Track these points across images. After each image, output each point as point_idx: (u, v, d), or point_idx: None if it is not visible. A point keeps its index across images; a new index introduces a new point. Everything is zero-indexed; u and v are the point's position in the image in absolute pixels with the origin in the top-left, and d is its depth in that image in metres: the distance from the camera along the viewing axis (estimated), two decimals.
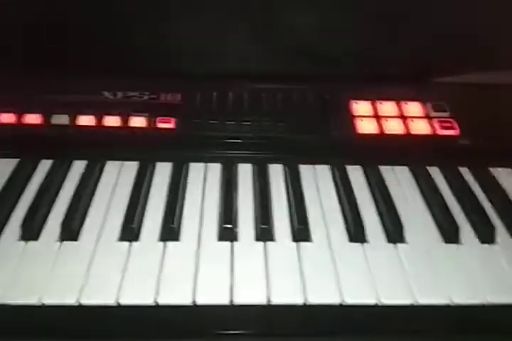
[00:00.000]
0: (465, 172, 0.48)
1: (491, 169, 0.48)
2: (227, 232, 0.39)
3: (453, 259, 0.38)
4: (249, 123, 0.50)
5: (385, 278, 0.36)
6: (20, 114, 0.48)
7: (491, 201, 0.44)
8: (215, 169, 0.47)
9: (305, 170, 0.47)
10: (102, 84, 0.52)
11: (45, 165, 0.46)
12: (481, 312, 0.35)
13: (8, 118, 0.48)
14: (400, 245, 0.39)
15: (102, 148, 0.47)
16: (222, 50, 0.56)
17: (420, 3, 0.53)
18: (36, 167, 0.46)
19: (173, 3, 0.53)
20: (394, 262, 0.38)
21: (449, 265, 0.38)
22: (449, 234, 0.40)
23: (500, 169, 0.48)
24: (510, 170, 0.48)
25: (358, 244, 0.39)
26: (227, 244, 0.38)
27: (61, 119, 0.49)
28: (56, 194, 0.43)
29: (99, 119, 0.49)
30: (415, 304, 0.35)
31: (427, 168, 0.47)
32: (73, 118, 0.49)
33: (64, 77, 0.52)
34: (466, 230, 0.41)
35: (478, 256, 0.38)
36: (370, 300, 0.34)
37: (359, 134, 0.49)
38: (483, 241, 0.40)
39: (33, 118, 0.49)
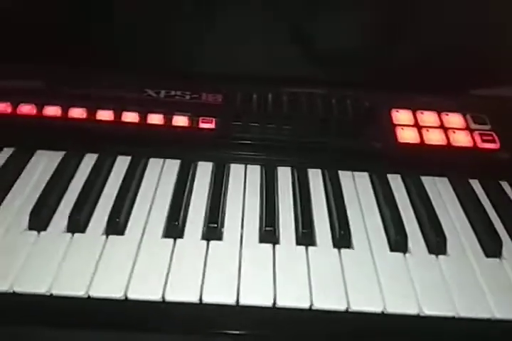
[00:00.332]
0: (505, 185, 0.47)
1: None
2: (269, 235, 0.40)
3: (493, 273, 0.38)
4: (289, 127, 0.50)
5: (425, 289, 0.36)
6: (67, 108, 0.50)
7: None
8: (255, 170, 0.48)
9: (344, 177, 0.47)
10: (146, 82, 0.53)
11: (90, 160, 0.47)
12: None
13: (55, 111, 0.50)
14: (441, 257, 0.39)
15: (145, 145, 0.48)
16: (263, 52, 0.56)
17: (461, 17, 0.53)
18: (81, 161, 0.47)
19: (213, 5, 0.54)
20: (435, 273, 0.38)
21: (490, 279, 0.38)
22: (491, 248, 0.40)
23: None
24: None
25: (400, 253, 0.39)
26: (269, 245, 0.39)
27: (105, 115, 0.50)
28: (101, 189, 0.44)
29: (144, 117, 0.50)
30: (456, 316, 0.35)
31: (468, 180, 0.47)
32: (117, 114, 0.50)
33: (110, 74, 0.53)
34: (508, 244, 0.41)
35: None
36: (412, 310, 0.35)
37: (400, 143, 0.49)
38: None
39: (79, 113, 0.50)
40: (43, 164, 0.46)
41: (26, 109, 0.50)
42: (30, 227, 0.39)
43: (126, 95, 0.52)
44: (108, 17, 0.55)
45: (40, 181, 0.44)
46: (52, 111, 0.50)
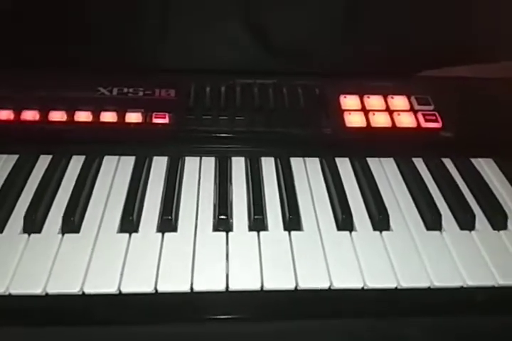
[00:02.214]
0: (447, 162, 0.50)
1: (472, 159, 0.51)
2: (223, 223, 0.41)
3: (435, 245, 0.41)
4: (241, 118, 0.51)
5: (369, 264, 0.39)
6: (19, 111, 0.50)
7: (471, 190, 0.47)
8: (210, 162, 0.49)
9: (296, 163, 0.49)
10: (98, 80, 0.54)
11: (44, 161, 0.47)
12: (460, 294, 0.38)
13: (7, 115, 0.50)
14: (384, 233, 0.42)
15: (99, 143, 0.49)
16: (214, 46, 0.57)
17: (403, 4, 0.55)
18: (35, 163, 0.47)
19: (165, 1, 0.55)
20: (379, 249, 0.40)
21: (431, 250, 0.40)
22: (432, 222, 0.42)
23: (480, 160, 0.51)
24: (489, 160, 0.51)
25: (346, 231, 0.41)
26: (223, 234, 0.41)
27: (58, 116, 0.50)
28: (56, 189, 0.44)
29: (97, 115, 0.50)
30: (399, 287, 0.37)
31: (412, 159, 0.50)
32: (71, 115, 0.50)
33: (61, 74, 0.53)
34: (447, 218, 0.43)
35: (458, 242, 0.41)
36: (357, 284, 0.37)
37: (347, 127, 0.51)
38: (462, 228, 0.42)
39: (30, 115, 0.50)
40: None
41: None
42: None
43: (78, 95, 0.52)
44: (59, 14, 0.55)
45: None
46: (3, 115, 0.50)
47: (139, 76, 0.55)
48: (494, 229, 0.42)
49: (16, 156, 0.47)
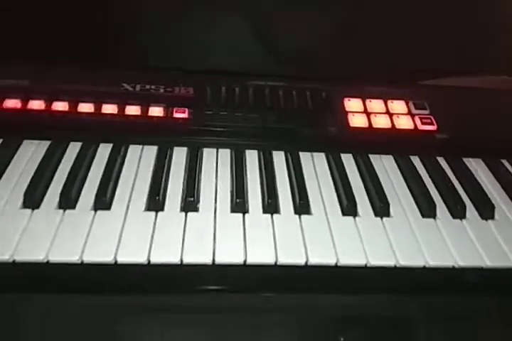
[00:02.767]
0: (441, 161, 0.55)
1: (464, 159, 0.56)
2: (239, 206, 0.46)
3: (429, 231, 0.45)
4: (255, 115, 0.56)
5: (371, 245, 0.43)
6: (51, 102, 0.54)
7: (461, 184, 0.52)
8: (226, 154, 0.53)
9: (304, 157, 0.54)
10: (122, 77, 0.58)
11: (75, 147, 0.51)
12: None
13: (40, 105, 0.54)
14: (385, 219, 0.46)
15: (125, 133, 0.53)
16: (230, 50, 0.63)
17: (404, 15, 0.61)
18: (66, 149, 0.51)
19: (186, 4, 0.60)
20: (380, 232, 0.45)
21: (426, 235, 0.45)
22: (427, 210, 0.47)
23: (471, 159, 0.56)
24: (479, 159, 0.56)
25: (351, 217, 0.46)
26: (239, 215, 0.45)
27: (86, 107, 0.55)
28: (86, 172, 0.48)
29: (122, 108, 0.55)
30: (397, 265, 0.42)
31: (409, 156, 0.55)
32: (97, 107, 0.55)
33: (89, 71, 0.58)
34: (441, 207, 0.48)
35: (450, 229, 0.46)
36: (361, 261, 0.41)
37: (351, 127, 0.56)
38: (454, 217, 0.47)
39: (61, 106, 0.54)
40: (31, 152, 0.50)
41: (12, 103, 0.54)
42: (25, 206, 0.44)
43: (104, 89, 0.57)
44: (89, 17, 0.60)
45: (30, 167, 0.48)
46: (36, 105, 0.54)
47: (160, 75, 0.60)
48: (483, 218, 0.47)
49: (49, 142, 0.51)
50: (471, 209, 0.48)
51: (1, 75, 0.55)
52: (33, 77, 0.56)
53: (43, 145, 0.51)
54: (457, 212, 0.47)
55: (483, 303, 0.44)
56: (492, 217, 0.48)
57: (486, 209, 0.48)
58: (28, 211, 0.43)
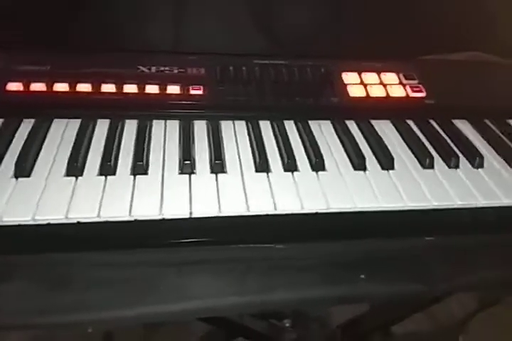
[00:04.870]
0: (432, 122, 0.62)
1: (452, 120, 0.63)
2: (263, 166, 0.51)
3: (430, 179, 0.52)
4: (265, 89, 0.61)
5: (382, 193, 0.49)
6: (75, 84, 0.58)
7: (452, 140, 0.59)
8: (242, 125, 0.59)
9: (313, 125, 0.60)
10: (136, 60, 0.62)
11: (103, 124, 0.56)
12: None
13: (64, 87, 0.58)
14: (390, 171, 0.53)
15: (147, 110, 0.58)
16: (235, 33, 0.68)
17: None
18: (95, 125, 0.56)
19: None
20: (387, 182, 0.51)
21: (429, 183, 0.51)
22: (427, 162, 0.54)
23: (457, 120, 0.63)
24: (464, 120, 0.63)
25: (361, 171, 0.52)
26: (264, 174, 0.50)
27: (109, 88, 0.59)
28: (119, 145, 0.53)
29: (142, 88, 0.59)
30: (405, 208, 0.48)
31: (405, 120, 0.62)
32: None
33: (105, 55, 0.62)
34: (438, 160, 0.55)
35: (447, 177, 0.52)
36: (375, 204, 0.48)
37: (351, 97, 0.63)
38: (450, 167, 0.54)
39: (85, 87, 0.58)
40: (63, 130, 0.54)
41: (38, 86, 0.57)
42: (68, 174, 0.48)
43: (123, 71, 0.61)
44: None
45: (67, 141, 0.52)
46: (61, 87, 0.58)
47: (172, 58, 0.65)
48: (474, 167, 0.54)
49: (79, 120, 0.55)
50: (463, 161, 0.55)
51: (27, 61, 0.59)
52: (56, 62, 0.60)
53: (74, 123, 0.55)
54: (452, 162, 0.54)
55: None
56: (482, 166, 0.55)
57: (477, 160, 0.55)
58: (73, 178, 0.47)
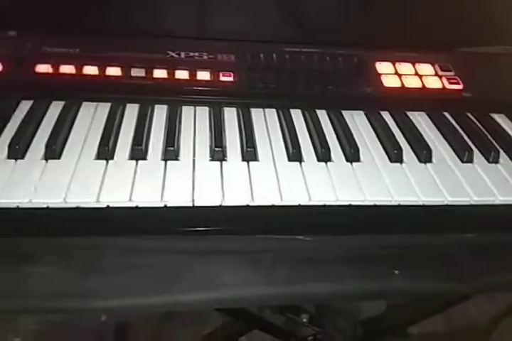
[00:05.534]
0: (470, 115, 0.60)
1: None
2: (296, 156, 0.50)
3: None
4: (296, 78, 0.60)
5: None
6: (104, 68, 0.57)
7: (490, 134, 0.57)
8: (272, 113, 0.57)
9: (345, 115, 0.58)
10: (166, 45, 0.61)
11: (132, 108, 0.55)
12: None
13: (94, 71, 0.57)
14: (428, 164, 0.51)
15: (177, 95, 0.56)
16: (267, 19, 0.66)
17: None
18: (125, 109, 0.55)
19: None
20: (426, 174, 0.49)
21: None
22: (464, 155, 0.52)
23: (495, 114, 0.61)
24: (502, 115, 0.61)
25: (398, 163, 0.50)
26: (297, 163, 0.49)
27: (138, 72, 0.58)
28: (149, 129, 0.52)
29: (172, 73, 0.58)
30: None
31: (441, 112, 0.59)
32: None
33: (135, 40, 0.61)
34: (476, 153, 0.53)
35: (485, 172, 0.50)
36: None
37: (386, 87, 0.61)
38: (489, 162, 0.52)
39: (114, 71, 0.57)
40: (93, 113, 0.54)
41: (67, 69, 0.57)
42: (99, 157, 0.47)
43: (152, 56, 0.60)
44: None
45: (96, 125, 0.51)
46: (91, 70, 0.57)
47: (201, 43, 0.63)
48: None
49: (108, 104, 0.54)
50: (503, 156, 0.53)
51: (57, 44, 0.58)
52: (85, 46, 0.59)
53: (103, 107, 0.54)
54: (492, 157, 0.52)
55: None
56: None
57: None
58: (103, 162, 0.47)
